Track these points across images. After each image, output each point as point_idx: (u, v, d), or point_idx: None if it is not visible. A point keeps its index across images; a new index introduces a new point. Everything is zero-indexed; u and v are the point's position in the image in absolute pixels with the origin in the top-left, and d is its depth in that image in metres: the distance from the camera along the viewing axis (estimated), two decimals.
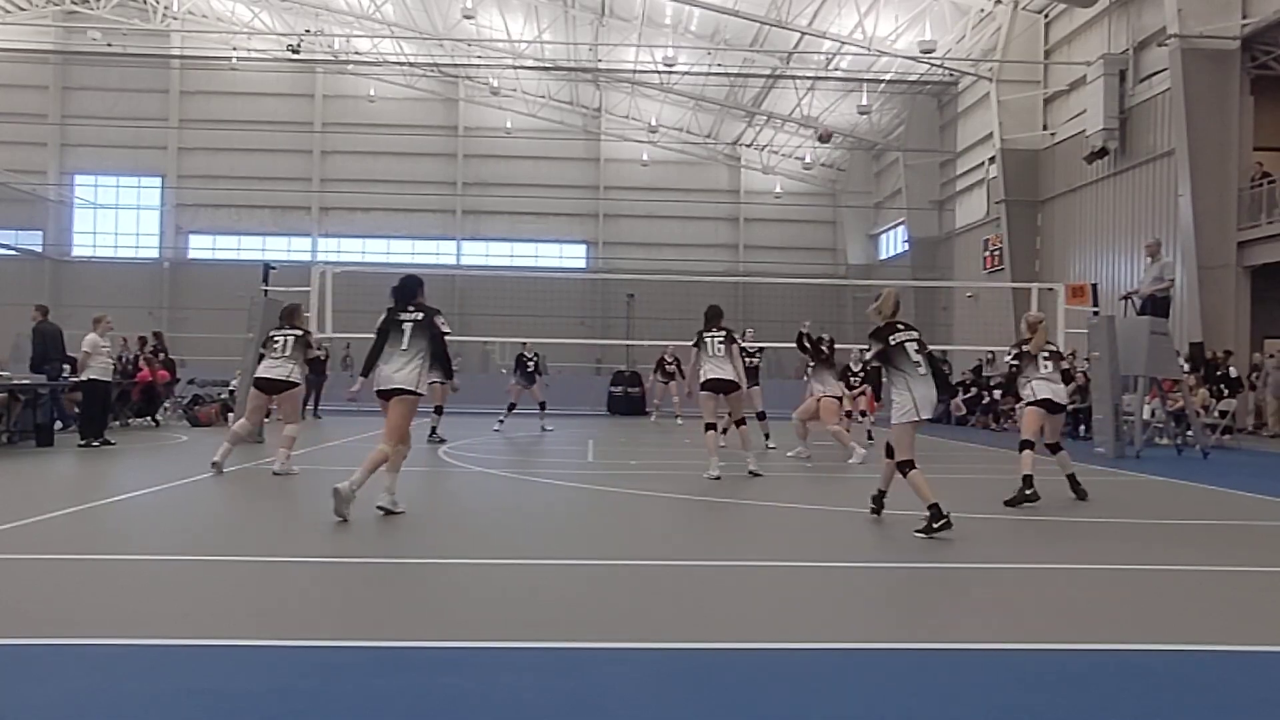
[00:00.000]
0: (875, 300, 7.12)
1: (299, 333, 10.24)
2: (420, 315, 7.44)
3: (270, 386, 9.97)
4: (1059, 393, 8.85)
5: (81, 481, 9.88)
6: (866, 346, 7.07)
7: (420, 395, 7.45)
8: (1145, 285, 15.25)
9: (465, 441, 14.64)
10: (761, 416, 14.32)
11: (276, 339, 10.14)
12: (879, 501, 7.21)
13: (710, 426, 10.04)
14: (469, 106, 41.40)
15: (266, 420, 11.80)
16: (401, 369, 7.29)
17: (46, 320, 14.19)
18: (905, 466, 6.69)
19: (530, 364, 17.13)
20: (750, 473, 10.14)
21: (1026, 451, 8.52)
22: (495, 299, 29.75)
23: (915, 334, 6.85)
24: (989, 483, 10.94)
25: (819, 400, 12.46)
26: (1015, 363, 9.02)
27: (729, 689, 3.46)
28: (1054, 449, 9.06)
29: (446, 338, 7.58)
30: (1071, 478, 8.82)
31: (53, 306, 16.35)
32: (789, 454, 12.89)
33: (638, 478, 10.15)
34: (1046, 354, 9.00)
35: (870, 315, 7.10)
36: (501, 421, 17.00)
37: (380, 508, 7.04)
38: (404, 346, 7.32)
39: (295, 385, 10.05)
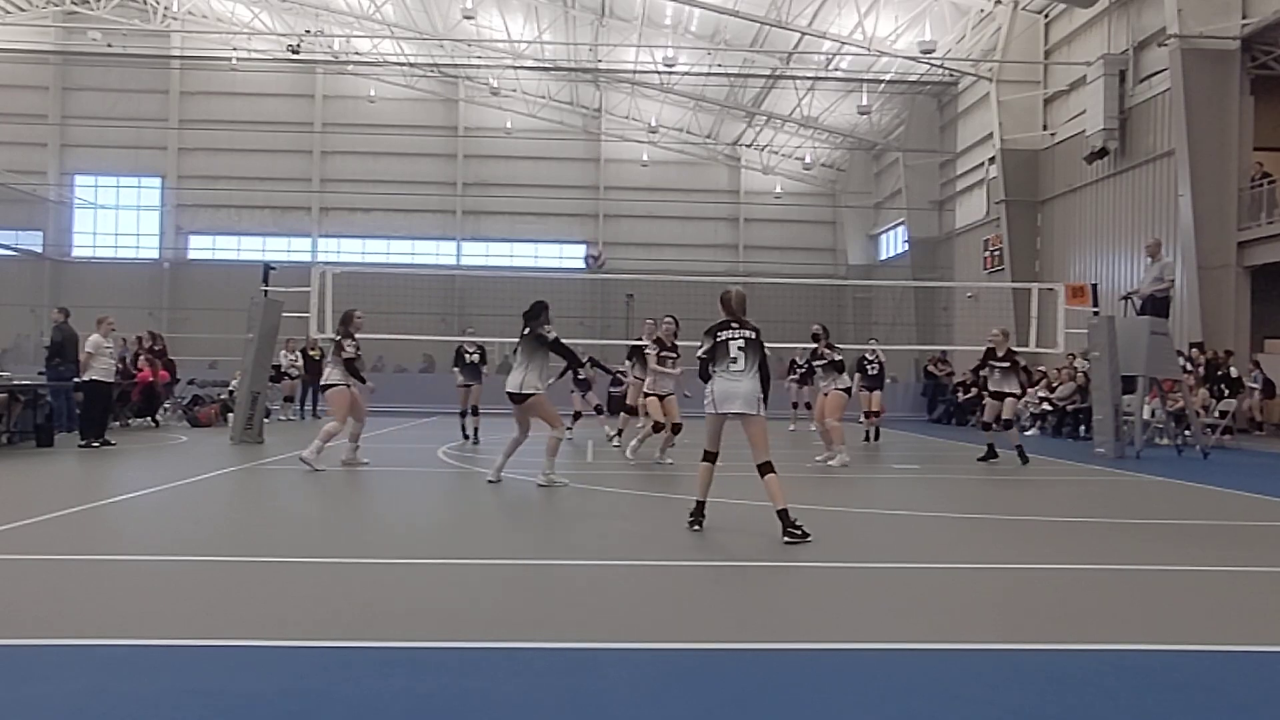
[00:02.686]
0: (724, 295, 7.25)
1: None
2: (526, 331, 9.43)
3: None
4: (1013, 385, 13.07)
5: (81, 481, 9.88)
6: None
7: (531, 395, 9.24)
8: (1145, 285, 15.25)
9: (471, 441, 14.66)
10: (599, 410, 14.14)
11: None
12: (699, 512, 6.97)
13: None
14: (469, 107, 41.41)
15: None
16: (511, 377, 9.38)
17: (66, 323, 14.52)
18: (705, 457, 6.99)
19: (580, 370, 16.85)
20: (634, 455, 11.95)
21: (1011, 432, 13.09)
22: (495, 299, 29.69)
23: (747, 334, 6.97)
24: (989, 483, 10.94)
25: (827, 395, 12.65)
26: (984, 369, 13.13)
27: (729, 689, 3.46)
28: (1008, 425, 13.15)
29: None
30: (991, 447, 13.10)
31: (52, 307, 16.47)
32: (817, 458, 12.46)
33: (637, 478, 10.15)
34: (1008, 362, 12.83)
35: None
36: (569, 428, 16.87)
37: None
38: (516, 360, 9.45)
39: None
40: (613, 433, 14.17)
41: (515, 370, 9.36)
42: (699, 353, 7.11)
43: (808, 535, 6.38)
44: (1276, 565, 6.02)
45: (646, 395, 12.04)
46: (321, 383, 11.41)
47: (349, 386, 10.87)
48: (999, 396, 13.00)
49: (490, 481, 9.35)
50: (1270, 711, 3.38)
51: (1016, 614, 4.69)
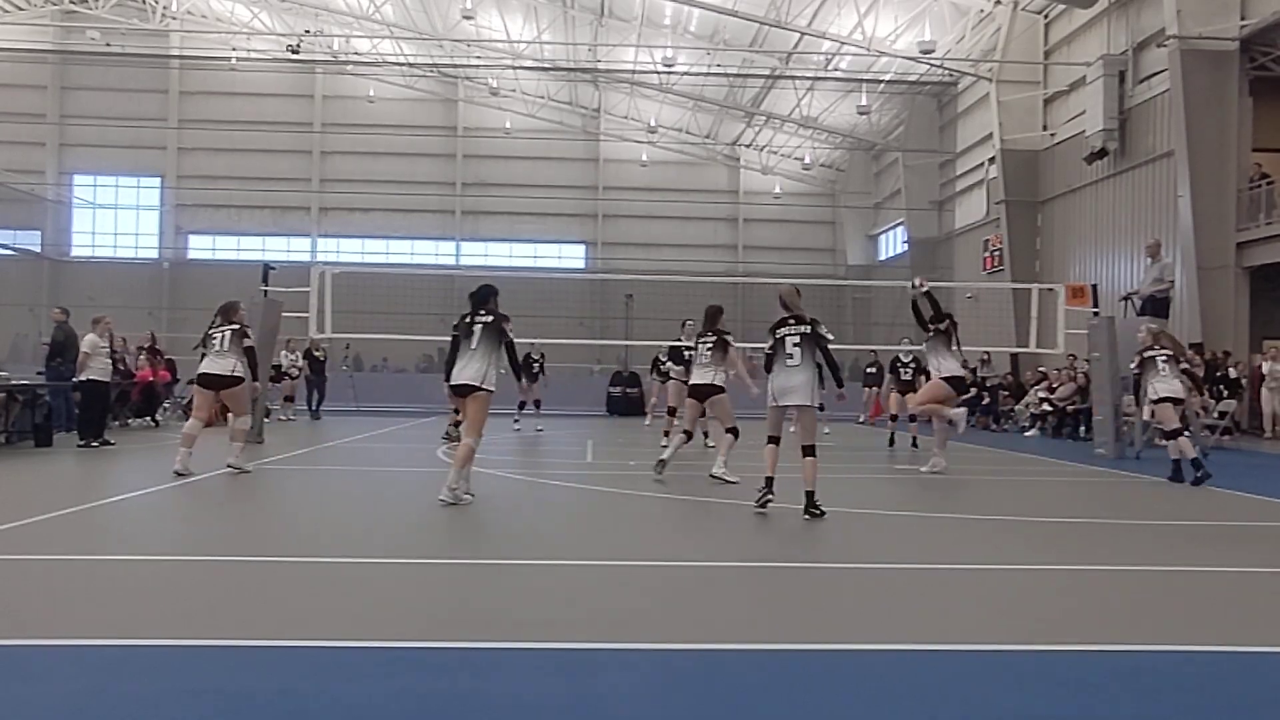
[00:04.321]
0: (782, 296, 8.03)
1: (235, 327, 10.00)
2: (490, 319, 8.09)
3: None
4: (1176, 389, 10.55)
5: (81, 481, 9.87)
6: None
7: (491, 391, 8.06)
8: (1145, 286, 15.25)
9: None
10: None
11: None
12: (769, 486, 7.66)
13: (686, 434, 10.31)
14: (468, 107, 41.43)
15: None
16: (467, 367, 7.94)
17: (67, 323, 14.55)
18: (769, 440, 7.75)
19: (535, 364, 17.36)
20: (712, 476, 9.51)
21: (1183, 439, 10.42)
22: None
23: (802, 329, 7.64)
24: (989, 484, 10.94)
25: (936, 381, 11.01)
26: (1137, 370, 11.01)
27: (729, 689, 3.46)
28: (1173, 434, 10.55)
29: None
30: (1193, 462, 10.21)
31: (51, 307, 16.48)
32: (923, 470, 11.19)
33: (637, 478, 10.13)
34: (1164, 357, 10.64)
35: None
36: (517, 421, 17.29)
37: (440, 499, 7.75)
38: (473, 347, 7.97)
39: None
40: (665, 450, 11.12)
41: (472, 361, 7.90)
42: (766, 348, 7.87)
43: (823, 513, 7.27)
44: (1276, 565, 6.02)
45: (690, 395, 10.18)
46: (223, 373, 9.81)
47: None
48: (1174, 402, 10.60)
49: (443, 501, 7.72)
50: (1270, 711, 3.38)
51: (1016, 614, 4.69)
